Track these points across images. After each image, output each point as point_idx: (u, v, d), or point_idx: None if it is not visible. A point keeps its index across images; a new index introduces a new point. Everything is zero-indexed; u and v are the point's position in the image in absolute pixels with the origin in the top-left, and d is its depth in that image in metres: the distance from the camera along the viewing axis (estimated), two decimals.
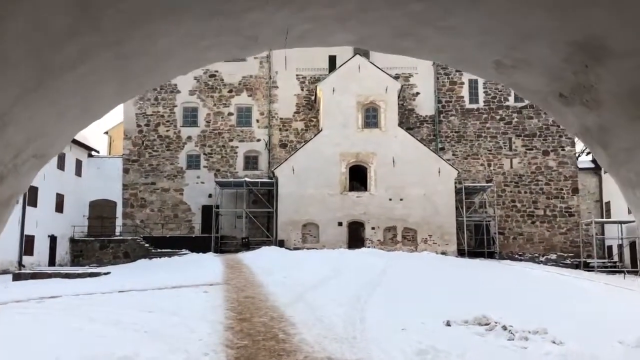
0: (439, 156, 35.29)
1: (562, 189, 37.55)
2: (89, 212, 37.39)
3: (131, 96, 4.31)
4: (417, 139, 35.20)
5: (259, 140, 38.01)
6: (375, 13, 3.35)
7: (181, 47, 3.49)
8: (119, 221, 37.32)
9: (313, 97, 37.63)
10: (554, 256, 35.78)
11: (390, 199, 33.61)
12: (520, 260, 34.91)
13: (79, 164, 37.01)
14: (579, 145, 39.48)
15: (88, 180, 37.55)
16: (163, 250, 32.94)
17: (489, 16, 3.18)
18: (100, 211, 37.43)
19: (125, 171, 37.75)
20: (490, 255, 35.25)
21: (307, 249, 31.95)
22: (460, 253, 33.66)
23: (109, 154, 44.60)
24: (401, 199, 33.60)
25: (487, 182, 36.82)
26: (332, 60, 37.73)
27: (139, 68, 3.54)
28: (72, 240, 35.26)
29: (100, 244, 34.70)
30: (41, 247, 32.60)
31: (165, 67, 3.79)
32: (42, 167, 3.74)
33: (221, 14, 3.24)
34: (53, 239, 33.77)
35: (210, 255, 30.64)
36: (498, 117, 38.13)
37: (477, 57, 3.66)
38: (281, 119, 38.13)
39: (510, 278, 21.79)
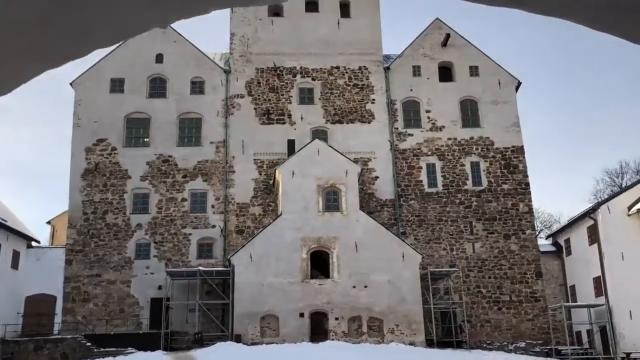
0: (402, 240, 34.25)
1: (526, 273, 36.78)
2: (25, 309, 33.91)
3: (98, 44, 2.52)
4: (379, 223, 34.21)
5: (214, 226, 36.12)
6: None
7: None
8: (58, 318, 33.93)
9: (271, 181, 36.49)
10: (522, 344, 34.32)
11: (354, 286, 31.89)
12: (490, 349, 33.30)
13: (16, 255, 34.02)
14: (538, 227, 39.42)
15: (25, 273, 34.46)
16: (107, 349, 29.87)
17: None
18: (38, 307, 34.04)
19: (68, 262, 34.85)
20: (459, 345, 33.55)
21: (266, 343, 29.50)
22: (429, 343, 31.82)
23: (51, 245, 41.67)
24: (365, 286, 31.93)
25: (451, 266, 35.75)
26: (291, 144, 37.11)
27: None
28: (3, 342, 31.52)
29: (35, 344, 31.07)
30: None
31: None
32: None
33: None
34: None
35: (159, 354, 27.94)
36: (457, 200, 37.78)
37: None
38: (238, 204, 36.60)
39: None
